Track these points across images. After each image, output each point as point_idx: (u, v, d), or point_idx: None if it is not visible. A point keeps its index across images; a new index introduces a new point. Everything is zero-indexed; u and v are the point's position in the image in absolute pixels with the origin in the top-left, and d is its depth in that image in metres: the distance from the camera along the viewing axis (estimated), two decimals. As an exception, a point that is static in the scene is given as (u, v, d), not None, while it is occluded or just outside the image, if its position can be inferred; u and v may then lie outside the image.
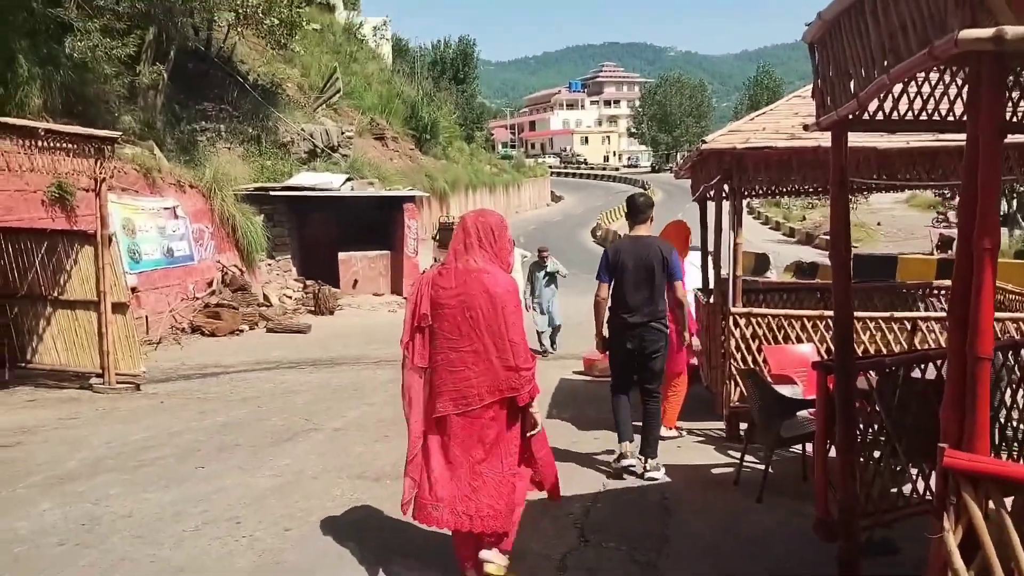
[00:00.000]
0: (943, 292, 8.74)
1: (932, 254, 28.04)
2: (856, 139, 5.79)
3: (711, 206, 8.46)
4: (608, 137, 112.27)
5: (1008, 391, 4.12)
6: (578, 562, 4.19)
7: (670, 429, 6.78)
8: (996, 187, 2.08)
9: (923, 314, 6.32)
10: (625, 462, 5.57)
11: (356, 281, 16.96)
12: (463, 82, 59.70)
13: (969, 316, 2.03)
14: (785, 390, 5.33)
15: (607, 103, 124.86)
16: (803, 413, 5.16)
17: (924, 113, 3.28)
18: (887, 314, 6.25)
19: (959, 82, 3.27)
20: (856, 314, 5.94)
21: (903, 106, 3.42)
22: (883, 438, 3.74)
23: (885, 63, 2.50)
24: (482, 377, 3.56)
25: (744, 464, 5.53)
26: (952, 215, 42.66)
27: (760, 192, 8.52)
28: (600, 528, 4.63)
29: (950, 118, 3.42)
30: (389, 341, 12.69)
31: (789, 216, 46.87)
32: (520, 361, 3.55)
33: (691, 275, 8.38)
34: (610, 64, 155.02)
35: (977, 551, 1.99)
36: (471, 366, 3.56)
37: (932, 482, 3.92)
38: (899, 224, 40.67)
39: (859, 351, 6.10)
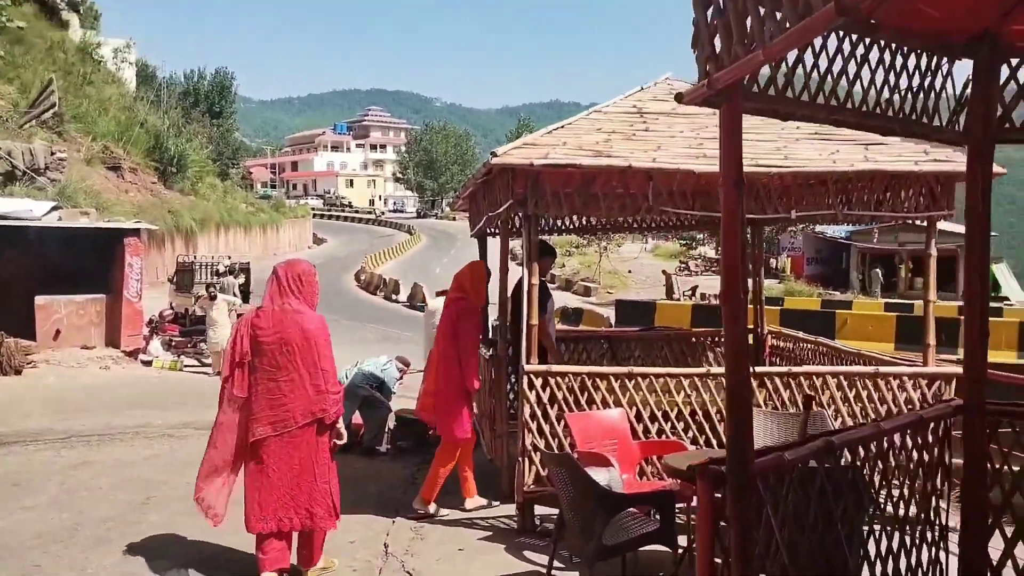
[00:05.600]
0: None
1: (679, 300, 29.63)
2: (669, 160, 4.81)
3: (493, 244, 7.23)
4: (374, 181, 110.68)
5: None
6: None
7: (427, 504, 5.63)
8: None
9: (828, 368, 5.39)
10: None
11: (58, 332, 13.70)
12: (219, 116, 55.96)
13: None
14: (600, 475, 4.05)
15: (373, 147, 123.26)
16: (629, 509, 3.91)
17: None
18: (781, 369, 5.28)
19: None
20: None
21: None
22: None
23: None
24: (297, 402, 4.19)
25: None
26: (692, 264, 46.40)
27: (555, 226, 7.43)
28: None
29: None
30: (91, 409, 10.00)
31: (550, 263, 48.13)
32: (330, 385, 4.28)
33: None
34: (377, 108, 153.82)
35: None
36: (287, 393, 4.19)
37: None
38: (646, 272, 43.23)
39: (684, 410, 5.05)
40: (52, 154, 17.54)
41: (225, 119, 57.62)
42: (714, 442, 5.17)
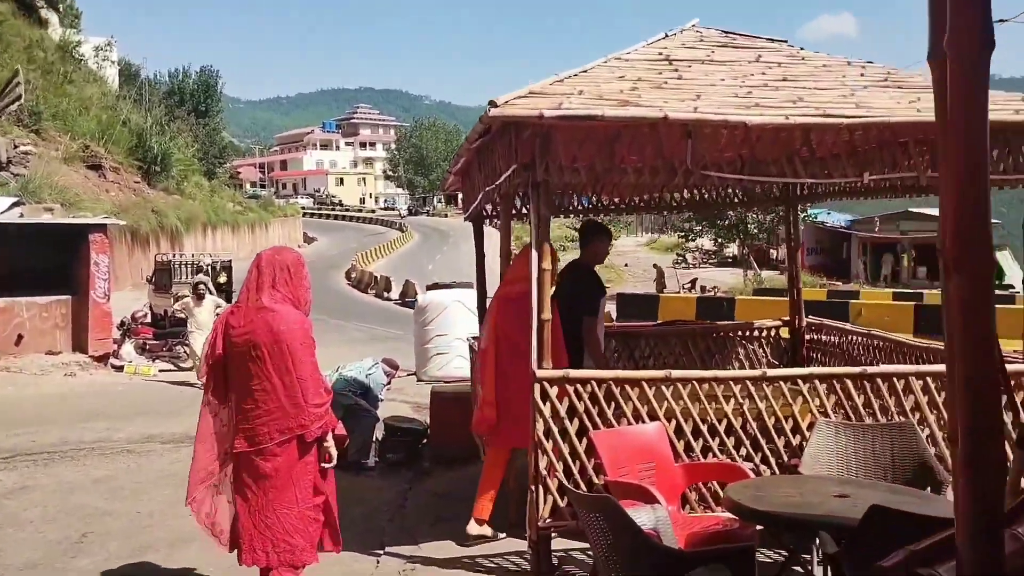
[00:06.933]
0: (763, 332, 7.19)
1: (679, 293, 28.78)
2: (714, 111, 3.83)
3: (489, 230, 6.26)
4: (364, 179, 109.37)
5: None
6: None
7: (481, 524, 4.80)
8: None
9: (912, 368, 4.34)
10: None
11: (20, 336, 12.67)
12: (205, 115, 55.05)
13: None
14: (644, 516, 3.07)
15: (363, 145, 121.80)
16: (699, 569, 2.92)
17: None
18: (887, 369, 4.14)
19: None
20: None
21: None
22: None
23: None
24: (271, 416, 3.57)
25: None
26: (691, 257, 45.51)
27: (566, 207, 6.40)
28: None
29: None
30: (47, 422, 8.95)
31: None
32: (310, 397, 3.59)
33: (465, 321, 6.10)
34: (365, 106, 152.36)
35: None
36: (260, 405, 3.58)
37: None
38: (643, 266, 42.41)
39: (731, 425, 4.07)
40: (15, 148, 16.46)
41: (211, 118, 56.85)
42: (772, 461, 4.20)
